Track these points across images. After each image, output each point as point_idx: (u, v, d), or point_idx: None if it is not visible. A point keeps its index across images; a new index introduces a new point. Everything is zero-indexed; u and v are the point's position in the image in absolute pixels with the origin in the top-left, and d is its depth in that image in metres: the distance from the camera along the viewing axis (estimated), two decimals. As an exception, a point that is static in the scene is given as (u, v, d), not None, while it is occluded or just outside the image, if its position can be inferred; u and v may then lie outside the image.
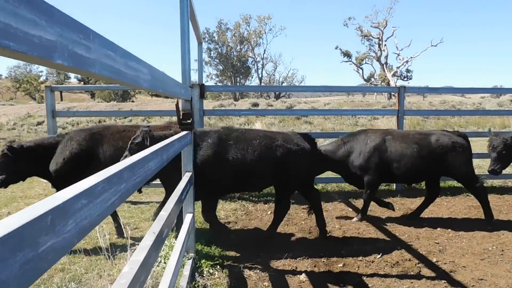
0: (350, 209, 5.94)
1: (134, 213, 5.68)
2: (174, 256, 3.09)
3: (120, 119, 19.74)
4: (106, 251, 3.56)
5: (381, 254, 4.16)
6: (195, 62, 12.65)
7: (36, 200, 6.08)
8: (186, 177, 3.48)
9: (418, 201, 6.35)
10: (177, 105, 3.37)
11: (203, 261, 3.72)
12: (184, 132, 3.42)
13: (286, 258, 4.09)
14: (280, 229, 4.99)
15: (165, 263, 3.55)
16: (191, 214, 3.71)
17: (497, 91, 29.10)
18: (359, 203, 6.12)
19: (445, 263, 3.96)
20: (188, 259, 3.60)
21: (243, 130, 4.52)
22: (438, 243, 4.51)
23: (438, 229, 4.97)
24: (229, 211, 5.80)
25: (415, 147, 5.12)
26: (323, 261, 4.01)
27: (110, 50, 1.13)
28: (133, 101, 43.59)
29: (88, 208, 0.93)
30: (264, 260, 4.05)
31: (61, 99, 47.84)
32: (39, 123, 20.73)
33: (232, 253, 4.18)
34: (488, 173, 5.24)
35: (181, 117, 3.52)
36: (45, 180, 6.29)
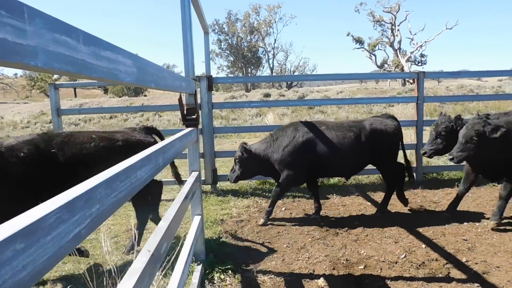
0: (369, 203, 5.63)
1: (132, 216, 5.46)
2: (181, 262, 2.86)
3: (131, 114, 19.66)
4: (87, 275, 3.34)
5: (404, 254, 3.86)
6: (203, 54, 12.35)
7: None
8: (192, 177, 3.23)
9: (441, 193, 6.02)
10: (180, 99, 3.10)
11: (213, 266, 3.48)
12: (189, 129, 3.16)
13: (303, 259, 3.83)
14: (295, 226, 4.73)
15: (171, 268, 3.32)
16: (199, 217, 3.46)
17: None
18: (378, 197, 5.80)
19: (476, 263, 3.63)
20: (197, 265, 3.37)
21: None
22: (466, 240, 4.18)
23: (465, 223, 4.63)
24: (241, 208, 5.55)
25: (349, 137, 4.82)
26: (343, 263, 3.73)
27: (65, 34, 0.85)
28: (145, 95, 43.55)
29: (26, 255, 0.67)
30: (279, 262, 3.79)
31: (75, 96, 48.26)
32: (51, 121, 20.81)
33: (245, 255, 3.94)
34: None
35: (185, 113, 3.26)
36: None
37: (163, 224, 1.95)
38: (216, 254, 3.81)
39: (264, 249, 4.09)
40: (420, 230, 4.51)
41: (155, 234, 1.79)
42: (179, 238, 3.94)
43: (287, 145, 4.81)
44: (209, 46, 6.22)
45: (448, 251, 3.92)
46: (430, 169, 6.76)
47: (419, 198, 5.79)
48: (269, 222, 4.89)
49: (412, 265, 3.64)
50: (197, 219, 3.44)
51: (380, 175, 5.79)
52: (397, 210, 5.28)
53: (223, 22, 56.34)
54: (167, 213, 2.16)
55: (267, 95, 25.98)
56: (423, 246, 4.04)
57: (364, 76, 13.77)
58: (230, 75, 52.44)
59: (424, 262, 3.67)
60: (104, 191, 1.07)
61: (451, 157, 4.26)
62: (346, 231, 4.56)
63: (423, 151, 4.93)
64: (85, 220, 0.94)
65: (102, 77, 1.09)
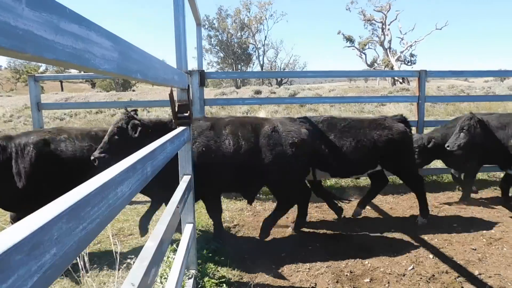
0: (369, 207, 5.35)
1: (129, 215, 5.11)
2: (173, 275, 2.53)
3: (118, 109, 19.10)
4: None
5: (412, 265, 3.58)
6: (195, 50, 11.94)
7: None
8: (184, 182, 2.89)
9: (442, 196, 5.78)
10: (171, 95, 2.76)
11: (207, 279, 3.15)
12: (181, 128, 2.82)
13: (303, 271, 3.53)
14: (294, 233, 4.42)
15: (161, 283, 2.99)
16: (191, 225, 3.13)
17: None
18: (378, 201, 5.54)
19: (489, 276, 3.38)
20: (189, 278, 3.03)
21: None
22: (475, 250, 3.93)
23: (472, 232, 4.38)
24: (234, 211, 5.22)
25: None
26: (347, 275, 3.44)
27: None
28: (133, 90, 42.70)
29: None
30: (278, 274, 3.48)
31: (62, 89, 47.12)
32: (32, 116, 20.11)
33: (240, 266, 3.61)
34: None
35: (176, 110, 2.91)
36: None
37: (151, 244, 1.62)
38: (209, 265, 3.48)
39: (261, 259, 3.77)
40: (426, 238, 4.25)
41: (141, 260, 1.45)
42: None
43: None
44: (201, 40, 5.86)
45: (458, 262, 3.66)
46: (429, 171, 6.52)
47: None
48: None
49: (421, 278, 3.36)
50: (188, 227, 3.10)
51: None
52: (399, 215, 5.02)
53: (213, 18, 55.70)
54: (156, 229, 1.82)
55: (258, 92, 25.61)
56: (431, 256, 3.77)
57: (366, 74, 13.60)
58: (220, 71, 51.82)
59: (434, 275, 3.40)
60: (66, 226, 0.74)
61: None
62: (348, 238, 4.27)
63: None
64: (30, 279, 0.60)
65: (65, 61, 0.75)
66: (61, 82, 51.46)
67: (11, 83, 58.08)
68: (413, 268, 3.52)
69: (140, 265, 1.42)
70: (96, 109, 19.16)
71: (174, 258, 2.81)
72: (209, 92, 26.13)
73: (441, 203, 5.43)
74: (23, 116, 21.14)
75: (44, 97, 28.66)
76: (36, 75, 5.59)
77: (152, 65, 1.55)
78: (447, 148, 4.88)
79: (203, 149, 3.76)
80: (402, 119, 4.70)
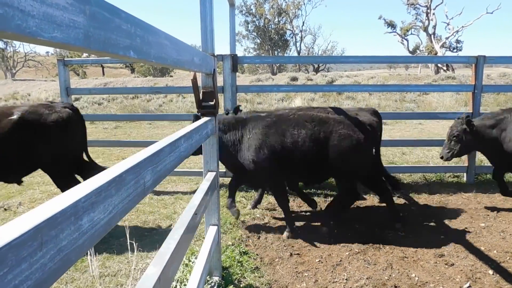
0: (413, 208, 4.83)
1: (156, 207, 4.88)
2: (193, 282, 2.23)
3: (154, 94, 19.15)
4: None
5: (468, 282, 3.09)
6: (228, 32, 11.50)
7: (53, 186, 5.45)
8: (207, 180, 2.55)
9: (498, 198, 5.14)
10: (194, 80, 2.41)
11: (231, 287, 2.83)
12: (205, 119, 2.47)
13: (340, 281, 3.13)
14: (328, 236, 4.01)
15: (181, 290, 2.70)
16: (215, 227, 2.80)
17: None
18: (423, 199, 5.00)
19: None
20: (211, 287, 2.72)
21: None
22: (543, 266, 3.36)
23: (538, 242, 3.80)
24: (265, 207, 4.87)
25: None
26: (390, 290, 3.01)
27: None
28: (171, 76, 43.01)
29: None
30: (311, 284, 3.10)
31: (103, 74, 48.41)
32: (76, 99, 20.60)
33: (269, 272, 3.27)
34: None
35: (200, 98, 2.56)
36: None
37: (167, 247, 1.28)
38: (234, 270, 3.16)
39: (292, 264, 3.41)
40: (482, 248, 3.71)
41: (154, 266, 1.11)
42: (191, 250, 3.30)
43: None
44: (234, 21, 5.46)
45: (525, 281, 3.13)
46: (483, 169, 5.86)
47: (472, 204, 4.95)
48: (295, 226, 4.19)
49: (480, 299, 2.88)
50: (212, 230, 2.78)
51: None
52: (448, 219, 4.47)
53: (251, 3, 54.93)
54: (174, 231, 1.48)
55: (294, 78, 24.97)
56: (490, 272, 3.25)
57: (409, 60, 12.81)
58: (256, 58, 51.23)
59: (496, 296, 2.90)
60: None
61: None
62: (390, 244, 3.81)
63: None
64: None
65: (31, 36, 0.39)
66: (103, 67, 52.98)
67: (57, 69, 60.48)
68: (470, 287, 3.03)
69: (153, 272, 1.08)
70: (133, 94, 19.33)
71: (195, 263, 2.50)
72: (245, 79, 25.78)
73: (497, 207, 4.82)
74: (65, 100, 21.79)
75: (84, 81, 29.51)
76: (65, 59, 5.43)
77: (156, 40, 1.18)
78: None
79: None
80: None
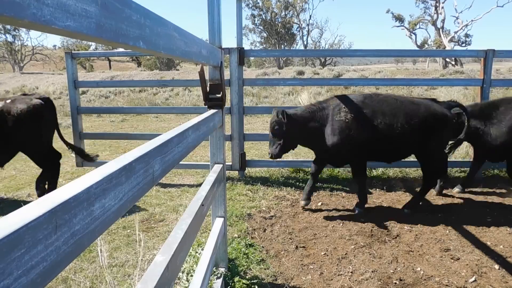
0: (420, 203, 4.82)
1: (163, 200, 4.93)
2: (200, 273, 2.25)
3: (160, 88, 19.21)
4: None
5: (474, 276, 3.09)
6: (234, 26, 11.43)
7: (61, 179, 5.52)
8: (214, 172, 2.57)
9: (506, 193, 5.12)
10: (201, 73, 2.42)
11: (237, 279, 2.85)
12: (212, 111, 2.48)
13: (345, 274, 3.15)
14: (334, 227, 4.03)
15: (187, 280, 2.73)
16: (222, 219, 2.82)
17: None
18: (428, 195, 4.99)
19: None
20: (217, 278, 2.75)
21: None
22: (550, 261, 3.35)
23: (546, 238, 3.78)
24: (271, 200, 4.89)
25: None
26: (395, 284, 3.02)
27: None
28: (177, 70, 43.00)
29: None
30: (316, 277, 3.12)
31: (110, 68, 48.54)
32: (83, 92, 20.72)
33: (275, 264, 3.30)
34: None
35: (207, 90, 2.57)
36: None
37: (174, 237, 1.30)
38: (240, 262, 3.19)
39: (297, 257, 3.43)
40: (488, 243, 3.70)
41: (154, 266, 1.14)
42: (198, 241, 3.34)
43: None
44: (241, 15, 5.45)
45: (531, 276, 3.12)
46: (490, 164, 5.82)
47: (480, 199, 4.93)
48: (304, 220, 4.22)
49: (486, 293, 2.88)
50: (219, 222, 2.80)
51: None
52: (455, 213, 4.46)
53: (257, -4, 54.60)
54: (180, 222, 1.51)
55: (301, 72, 24.86)
56: (496, 267, 3.25)
57: (418, 54, 12.63)
58: (262, 52, 51.04)
59: (501, 291, 2.90)
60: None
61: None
62: (395, 238, 3.82)
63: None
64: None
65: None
66: (109, 61, 53.12)
67: (64, 62, 60.79)
68: (475, 281, 3.03)
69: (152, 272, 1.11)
70: (139, 88, 19.39)
71: (201, 254, 2.53)
72: (251, 72, 25.72)
73: (504, 202, 4.79)
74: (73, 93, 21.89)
75: (91, 75, 29.61)
76: (73, 52, 5.46)
77: (165, 31, 1.19)
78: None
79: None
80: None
